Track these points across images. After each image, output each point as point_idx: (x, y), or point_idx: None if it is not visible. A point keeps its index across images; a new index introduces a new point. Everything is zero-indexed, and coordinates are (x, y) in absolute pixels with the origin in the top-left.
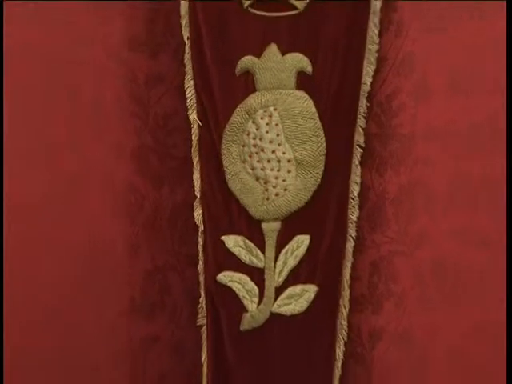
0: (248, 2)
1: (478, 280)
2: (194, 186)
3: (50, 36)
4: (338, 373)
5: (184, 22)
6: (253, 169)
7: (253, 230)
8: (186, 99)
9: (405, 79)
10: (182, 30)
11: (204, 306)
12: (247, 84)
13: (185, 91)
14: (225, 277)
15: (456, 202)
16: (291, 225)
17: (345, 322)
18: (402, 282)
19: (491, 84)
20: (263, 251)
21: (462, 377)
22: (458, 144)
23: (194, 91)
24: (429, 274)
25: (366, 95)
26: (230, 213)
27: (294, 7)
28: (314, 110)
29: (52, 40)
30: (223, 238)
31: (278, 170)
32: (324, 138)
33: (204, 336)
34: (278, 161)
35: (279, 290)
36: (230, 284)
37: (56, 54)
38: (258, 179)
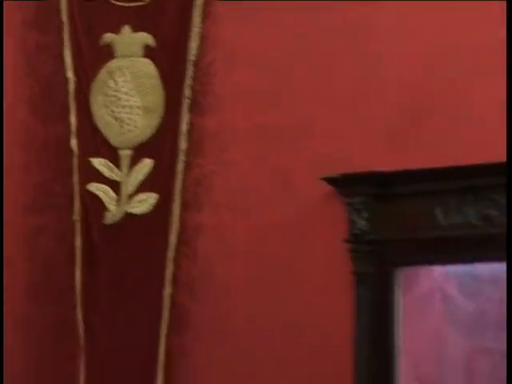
0: None
1: (267, 189)
2: (70, 123)
3: None
4: (171, 254)
5: (63, 7)
6: (113, 112)
7: (113, 155)
8: (64, 62)
9: (219, 52)
10: (61, 13)
11: (78, 206)
12: (109, 53)
13: (63, 57)
14: (93, 186)
15: (253, 140)
16: (140, 151)
17: (177, 219)
18: (217, 191)
19: (283, 58)
20: (120, 170)
21: (256, 256)
22: (255, 100)
23: (70, 57)
24: (236, 185)
25: (192, 63)
26: (96, 142)
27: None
28: (155, 72)
29: None
30: (91, 159)
31: (131, 114)
32: (163, 92)
33: (78, 228)
34: (131, 107)
35: (131, 197)
36: (96, 192)
37: None
38: (116, 119)
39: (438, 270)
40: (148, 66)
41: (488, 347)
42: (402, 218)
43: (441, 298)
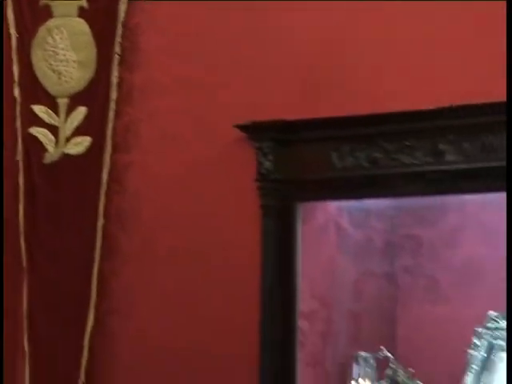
0: None
1: (187, 134)
2: (14, 74)
3: None
4: (103, 190)
5: None
6: (51, 65)
7: (52, 103)
8: (7, 20)
9: (145, 15)
10: None
11: (20, 147)
12: (47, 13)
13: (7, 15)
14: (34, 130)
15: (175, 91)
16: (75, 100)
17: (108, 160)
18: (144, 136)
19: (202, 20)
20: (58, 116)
21: (178, 192)
22: (176, 55)
23: (12, 16)
24: (161, 131)
25: (122, 24)
26: (37, 91)
27: None
28: (88, 30)
29: None
30: (32, 106)
31: (67, 67)
32: (95, 48)
33: (21, 166)
34: (67, 61)
35: (68, 140)
36: (36, 134)
37: None
38: (54, 72)
39: (333, 205)
40: (82, 25)
41: (373, 271)
42: (303, 160)
43: (334, 229)
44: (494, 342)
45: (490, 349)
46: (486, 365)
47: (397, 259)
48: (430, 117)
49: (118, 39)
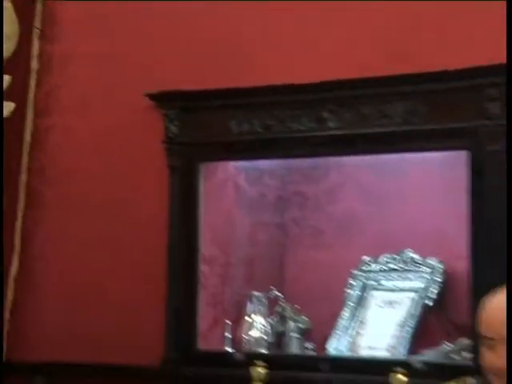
0: None
1: (103, 101)
2: None
3: None
4: (26, 149)
5: None
6: None
7: None
8: None
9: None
10: None
11: None
12: None
13: None
14: None
15: (91, 62)
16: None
17: (31, 123)
18: (63, 101)
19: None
20: None
21: (95, 151)
22: (92, 30)
23: None
24: (78, 97)
25: (41, 1)
26: None
27: None
28: (10, 6)
29: None
30: None
31: None
32: (18, 24)
33: None
34: None
35: None
36: None
37: None
38: None
39: (231, 165)
40: (4, 2)
41: (266, 222)
42: (205, 125)
43: (232, 186)
44: (367, 282)
45: (364, 288)
46: (361, 302)
47: (286, 212)
48: (314, 89)
49: (39, 15)
